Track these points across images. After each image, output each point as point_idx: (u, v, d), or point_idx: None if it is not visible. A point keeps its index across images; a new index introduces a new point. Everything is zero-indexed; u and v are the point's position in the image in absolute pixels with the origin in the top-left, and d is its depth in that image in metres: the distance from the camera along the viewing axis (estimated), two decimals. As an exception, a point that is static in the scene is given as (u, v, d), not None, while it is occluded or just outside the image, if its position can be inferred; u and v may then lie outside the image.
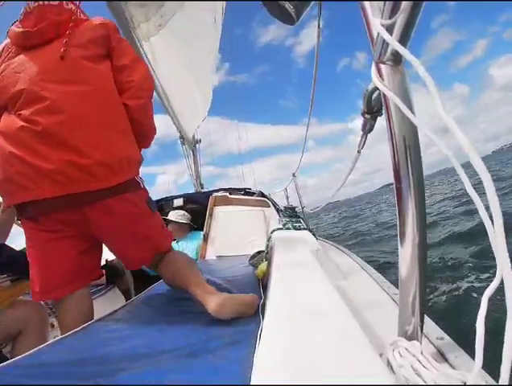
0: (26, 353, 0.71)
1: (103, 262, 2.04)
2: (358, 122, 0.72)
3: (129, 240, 1.03)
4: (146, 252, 1.06)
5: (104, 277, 1.91)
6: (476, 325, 0.31)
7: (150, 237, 1.06)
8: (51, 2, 1.02)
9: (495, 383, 0.30)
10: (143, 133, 1.12)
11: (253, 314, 0.85)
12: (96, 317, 1.03)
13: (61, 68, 0.96)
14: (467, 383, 0.32)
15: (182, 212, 2.72)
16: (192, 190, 4.62)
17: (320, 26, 1.31)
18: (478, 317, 0.31)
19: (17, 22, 1.03)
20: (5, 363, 0.67)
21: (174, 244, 2.66)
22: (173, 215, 2.66)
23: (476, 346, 0.31)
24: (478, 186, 0.31)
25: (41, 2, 1.00)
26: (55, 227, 0.97)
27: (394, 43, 0.37)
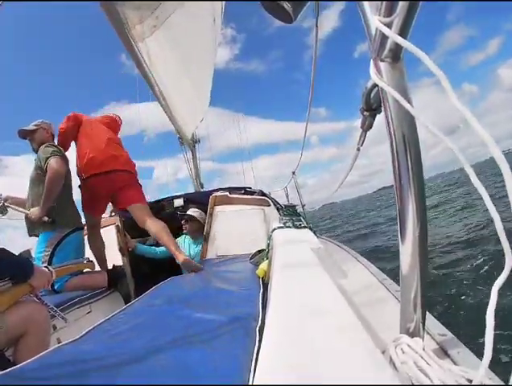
0: (25, 362, 0.71)
1: (110, 267, 2.15)
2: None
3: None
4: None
5: (106, 281, 2.01)
6: (486, 317, 0.30)
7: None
8: None
9: (500, 381, 0.30)
10: None
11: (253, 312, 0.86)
12: (98, 317, 1.04)
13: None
14: (473, 380, 0.32)
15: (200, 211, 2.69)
16: (191, 188, 4.64)
17: (318, 25, 1.31)
18: (488, 309, 0.30)
19: None
20: (2, 372, 0.66)
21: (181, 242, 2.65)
22: (194, 213, 2.64)
23: (486, 340, 0.30)
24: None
25: None
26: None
27: (395, 37, 0.36)
